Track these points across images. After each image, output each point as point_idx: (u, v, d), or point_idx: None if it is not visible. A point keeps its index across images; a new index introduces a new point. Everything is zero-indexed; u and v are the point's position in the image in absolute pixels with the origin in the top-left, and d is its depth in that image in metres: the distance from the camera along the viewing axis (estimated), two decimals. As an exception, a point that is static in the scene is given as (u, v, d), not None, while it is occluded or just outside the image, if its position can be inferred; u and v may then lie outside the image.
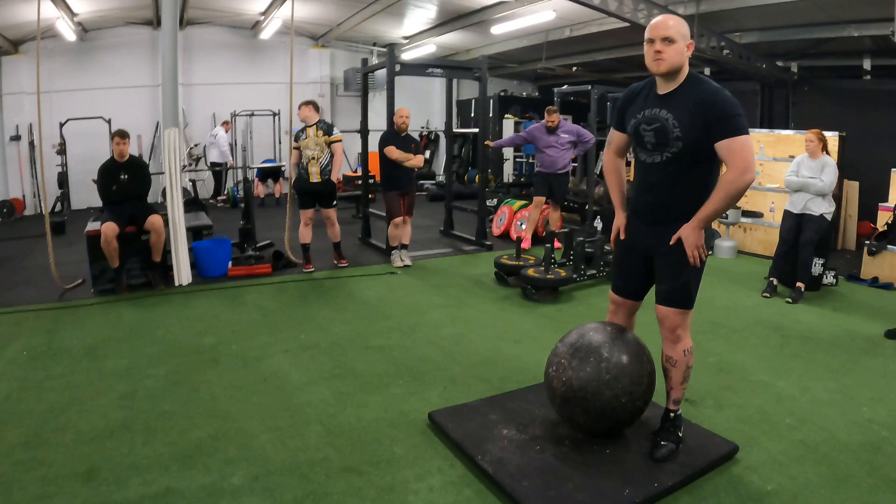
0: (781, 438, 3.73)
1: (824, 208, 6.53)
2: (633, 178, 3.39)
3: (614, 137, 3.45)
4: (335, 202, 7.38)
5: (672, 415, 3.39)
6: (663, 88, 3.08)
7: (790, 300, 6.58)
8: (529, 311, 6.23)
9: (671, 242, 3.07)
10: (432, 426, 3.67)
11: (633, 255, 3.37)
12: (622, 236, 3.40)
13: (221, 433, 3.59)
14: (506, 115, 15.28)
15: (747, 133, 2.91)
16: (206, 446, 3.44)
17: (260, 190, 12.78)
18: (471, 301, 6.46)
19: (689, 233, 3.01)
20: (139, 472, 3.19)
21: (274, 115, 13.79)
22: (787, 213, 6.76)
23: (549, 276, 6.49)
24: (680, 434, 3.39)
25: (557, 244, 7.70)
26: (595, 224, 9.84)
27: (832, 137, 8.43)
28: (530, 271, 6.58)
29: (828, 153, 6.66)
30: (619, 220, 3.41)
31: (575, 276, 6.87)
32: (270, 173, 12.99)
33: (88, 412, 3.86)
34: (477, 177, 12.12)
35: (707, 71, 11.67)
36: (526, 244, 7.65)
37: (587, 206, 10.36)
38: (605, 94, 10.85)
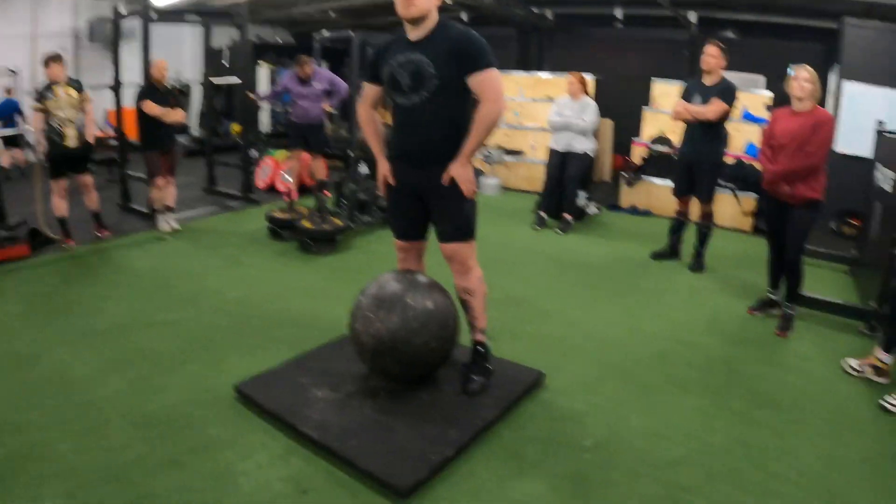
0: (581, 360, 3.97)
1: (587, 146, 7.07)
2: (392, 122, 3.40)
3: (367, 90, 3.48)
4: (90, 166, 6.65)
5: (481, 348, 3.51)
6: (415, 35, 3.15)
7: (559, 231, 7.01)
8: (310, 263, 6.03)
9: (445, 182, 3.18)
10: (242, 399, 3.40)
11: (407, 198, 3.40)
12: (391, 181, 3.41)
13: (18, 450, 2.99)
14: (259, 62, 14.65)
15: (496, 67, 3.10)
16: (4, 469, 2.85)
17: (5, 159, 11.08)
18: (249, 260, 6.11)
19: (459, 170, 3.16)
20: (-65, 519, 2.59)
21: (12, 73, 12.08)
22: (552, 152, 7.19)
23: (324, 227, 6.32)
24: (489, 367, 3.50)
25: (326, 193, 7.56)
26: (360, 170, 9.77)
27: (590, 80, 8.95)
28: (305, 223, 6.37)
29: (588, 95, 7.20)
30: (384, 167, 3.43)
31: (350, 223, 6.78)
32: (12, 138, 11.32)
33: None
34: (235, 128, 11.56)
35: (465, 16, 11.90)
36: (294, 195, 7.42)
37: (350, 152, 10.23)
38: (367, 41, 10.70)
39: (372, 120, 3.52)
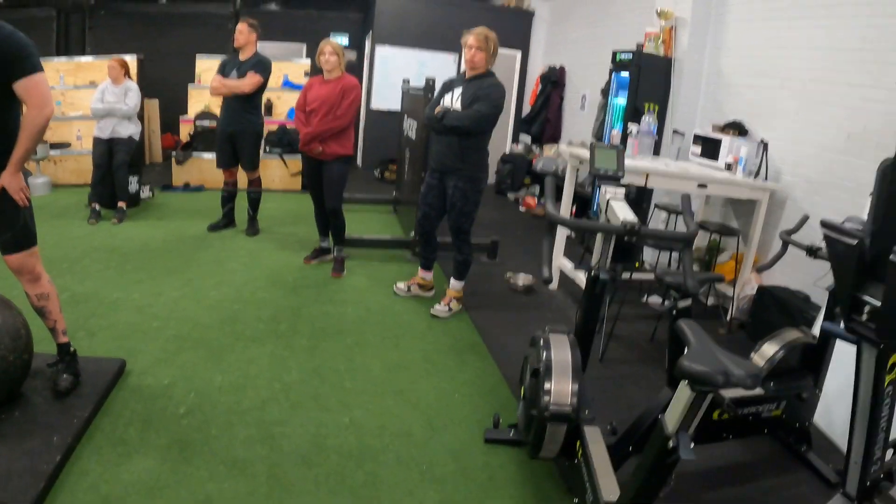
0: (156, 340, 4.25)
1: (132, 130, 7.24)
2: None
3: None
4: None
5: (71, 348, 3.57)
6: None
7: (115, 221, 7.02)
8: None
9: None
10: None
11: None
12: None
13: None
14: None
15: (42, 70, 3.09)
16: None
17: None
18: None
19: (9, 180, 3.12)
20: None
21: None
22: (97, 140, 7.16)
23: None
24: (78, 367, 3.59)
25: None
26: None
27: (132, 61, 9.08)
28: None
29: (130, 78, 7.33)
30: None
31: None
32: None
33: None
34: None
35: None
36: None
37: None
38: None
39: None
